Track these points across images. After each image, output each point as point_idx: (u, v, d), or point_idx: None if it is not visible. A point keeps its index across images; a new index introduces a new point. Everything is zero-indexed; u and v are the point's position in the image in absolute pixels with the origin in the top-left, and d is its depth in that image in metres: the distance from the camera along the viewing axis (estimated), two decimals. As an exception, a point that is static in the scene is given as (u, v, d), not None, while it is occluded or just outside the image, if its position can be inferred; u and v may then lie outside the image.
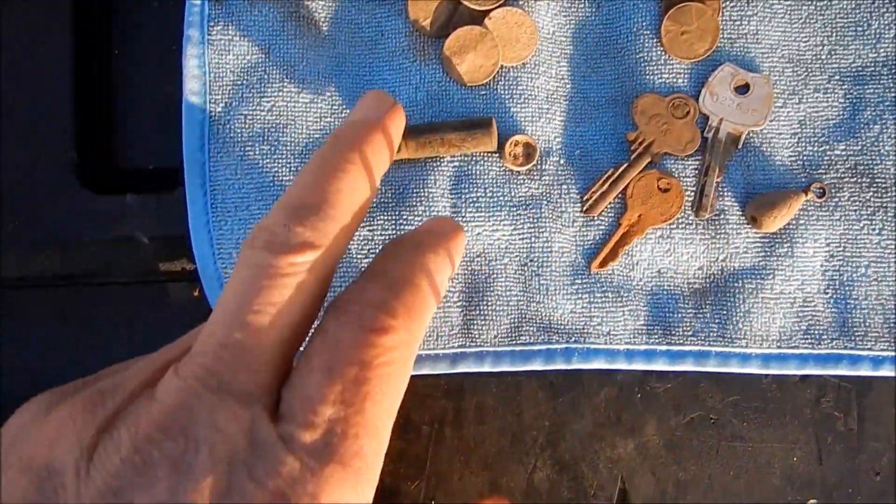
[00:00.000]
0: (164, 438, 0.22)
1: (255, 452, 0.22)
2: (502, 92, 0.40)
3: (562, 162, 0.40)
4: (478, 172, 0.39)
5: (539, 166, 0.40)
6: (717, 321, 0.39)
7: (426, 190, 0.39)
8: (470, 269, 0.39)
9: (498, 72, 0.40)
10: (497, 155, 0.39)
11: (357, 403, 0.23)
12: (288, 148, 0.40)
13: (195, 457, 0.21)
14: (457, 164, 0.39)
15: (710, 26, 0.40)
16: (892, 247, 0.38)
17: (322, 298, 0.27)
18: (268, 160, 0.40)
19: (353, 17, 0.42)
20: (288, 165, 0.40)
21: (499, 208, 0.39)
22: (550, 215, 0.39)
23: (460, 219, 0.39)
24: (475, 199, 0.39)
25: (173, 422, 0.22)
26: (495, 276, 0.39)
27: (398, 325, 0.25)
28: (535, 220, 0.39)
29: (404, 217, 0.39)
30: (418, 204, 0.39)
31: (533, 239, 0.39)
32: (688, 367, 0.39)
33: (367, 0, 0.42)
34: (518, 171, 0.39)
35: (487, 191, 0.39)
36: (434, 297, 0.28)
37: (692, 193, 0.39)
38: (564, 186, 0.40)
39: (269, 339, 0.24)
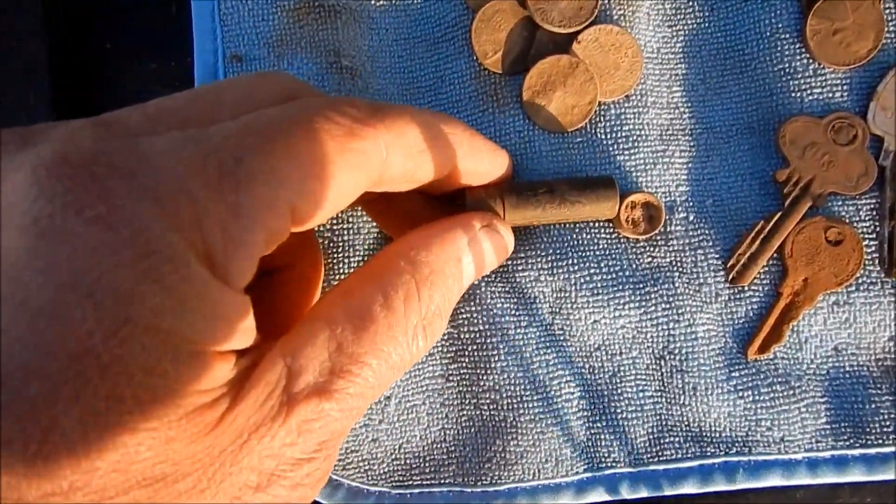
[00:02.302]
0: None
1: None
2: (604, 136, 0.31)
3: (691, 218, 0.31)
4: (585, 242, 0.31)
5: (664, 228, 0.30)
6: (927, 410, 0.29)
7: (521, 268, 0.31)
8: (588, 367, 0.30)
9: (596, 111, 0.31)
10: (608, 221, 0.30)
11: None
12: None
13: None
14: (556, 232, 0.31)
15: (871, 19, 0.30)
16: None
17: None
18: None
19: (403, 64, 0.33)
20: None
21: (619, 287, 0.30)
22: (687, 290, 0.30)
23: (570, 305, 0.30)
24: (587, 277, 0.30)
25: None
26: (623, 374, 0.30)
27: None
28: (669, 299, 0.30)
29: (497, 306, 0.31)
30: (510, 287, 0.31)
31: (668, 323, 0.30)
32: (893, 474, 0.29)
33: (420, 40, 0.33)
34: (639, 241, 0.30)
35: (602, 265, 0.30)
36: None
37: (873, 243, 0.30)
38: (700, 251, 0.30)
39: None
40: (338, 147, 0.22)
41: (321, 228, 0.32)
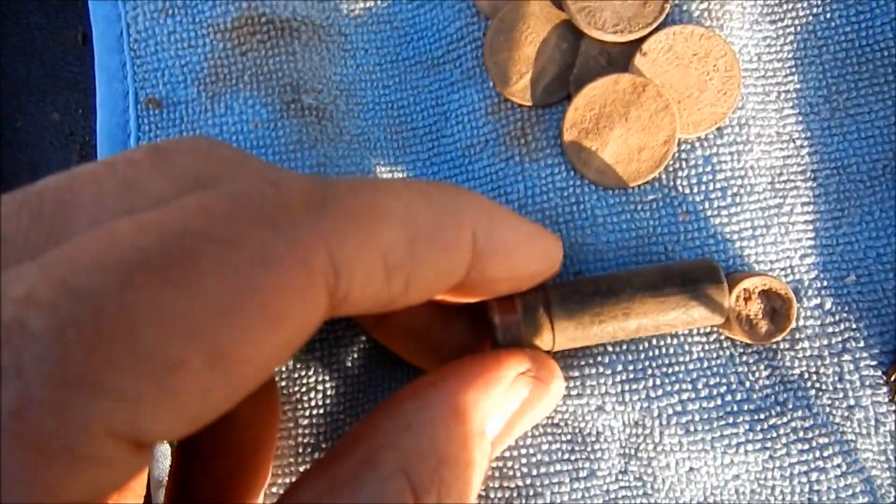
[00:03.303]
0: None
1: None
2: (687, 190, 0.21)
3: (828, 306, 0.21)
4: (673, 351, 0.20)
5: (793, 326, 0.20)
6: None
7: (577, 392, 0.21)
8: (684, 538, 0.20)
9: (674, 154, 0.21)
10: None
11: None
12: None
13: None
14: (626, 345, 0.21)
15: None
16: None
17: None
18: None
19: (391, 97, 0.23)
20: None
21: (727, 419, 0.20)
22: (831, 418, 0.20)
23: (651, 446, 0.20)
24: (676, 406, 0.20)
25: None
26: (738, 549, 0.20)
27: None
28: (805, 434, 0.20)
29: (543, 449, 0.21)
30: (560, 420, 0.21)
31: (808, 472, 0.20)
32: None
33: (413, 62, 0.23)
34: (755, 347, 0.20)
35: (700, 386, 0.20)
36: None
37: None
38: (847, 356, 0.20)
39: None
40: (244, 284, 0.12)
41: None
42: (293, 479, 0.22)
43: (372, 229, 0.14)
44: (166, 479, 0.22)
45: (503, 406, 0.17)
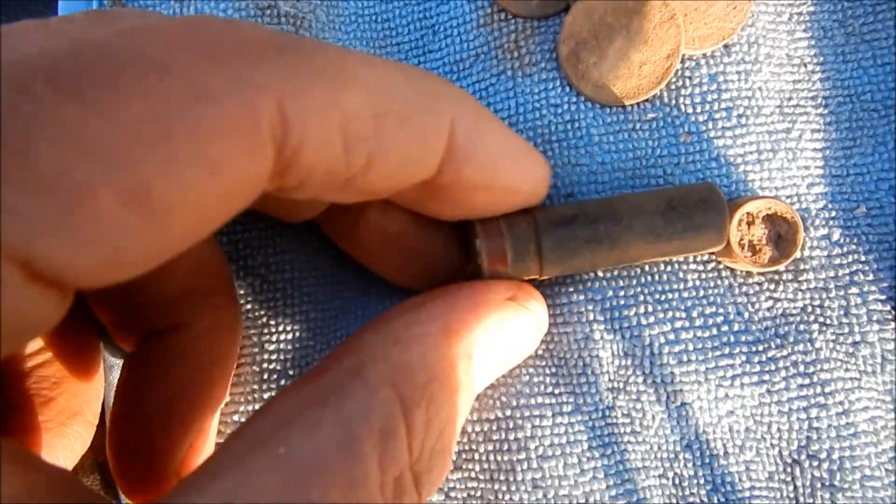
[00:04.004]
0: None
1: None
2: (690, 109, 0.20)
3: (836, 237, 0.19)
4: (667, 278, 0.19)
5: (797, 256, 0.19)
6: None
7: (563, 319, 0.19)
8: (673, 479, 0.19)
9: (678, 70, 0.20)
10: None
11: None
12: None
13: None
14: (616, 271, 0.19)
15: None
16: None
17: None
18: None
19: (375, 8, 0.22)
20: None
21: (724, 351, 0.19)
22: (835, 354, 0.19)
23: (641, 379, 0.19)
24: (670, 335, 0.19)
25: None
26: (731, 489, 0.19)
27: None
28: (806, 368, 0.19)
29: (525, 380, 0.19)
30: (545, 350, 0.19)
31: (807, 408, 0.19)
32: None
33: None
34: (756, 274, 0.19)
35: (695, 315, 0.19)
36: None
37: None
38: (853, 290, 0.19)
39: None
40: (173, 116, 0.10)
41: (243, 259, 0.21)
42: (256, 407, 0.20)
43: (334, 93, 0.12)
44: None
45: (491, 331, 0.16)
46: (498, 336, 0.16)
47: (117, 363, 0.21)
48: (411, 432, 0.14)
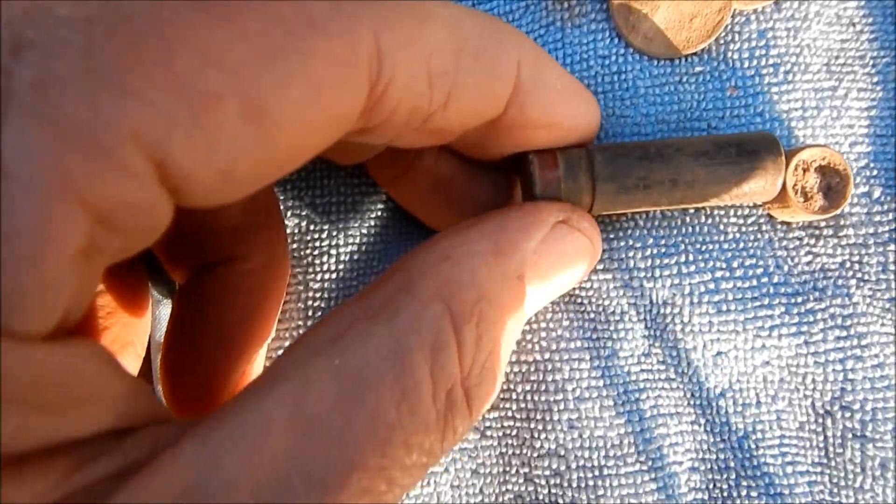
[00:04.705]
0: None
1: None
2: (739, 64, 0.20)
3: (877, 195, 0.19)
4: (707, 228, 0.19)
5: (842, 211, 0.19)
6: None
7: (602, 266, 0.20)
8: (707, 425, 0.19)
9: (728, 24, 0.20)
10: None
11: None
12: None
13: None
14: (657, 221, 0.20)
15: None
16: None
17: None
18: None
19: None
20: None
21: (762, 301, 0.19)
22: (871, 309, 0.19)
23: (679, 326, 0.19)
24: (709, 284, 0.19)
25: None
26: (762, 437, 0.19)
27: None
28: (843, 322, 0.19)
29: (564, 325, 0.20)
30: (584, 295, 0.20)
31: (843, 360, 0.19)
32: None
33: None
34: (800, 226, 0.19)
35: (735, 265, 0.19)
36: None
37: None
38: (892, 247, 0.19)
39: None
40: (287, 36, 0.11)
41: (291, 200, 0.21)
42: (301, 341, 0.21)
43: (420, 28, 0.13)
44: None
45: (542, 253, 0.16)
46: (549, 257, 0.16)
47: (164, 302, 0.22)
48: (462, 347, 0.14)
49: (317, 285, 0.21)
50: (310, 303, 0.21)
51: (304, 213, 0.21)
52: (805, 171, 0.18)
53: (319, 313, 0.21)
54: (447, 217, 0.20)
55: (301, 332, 0.21)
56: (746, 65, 0.20)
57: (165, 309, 0.22)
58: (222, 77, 0.10)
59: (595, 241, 0.17)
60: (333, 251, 0.21)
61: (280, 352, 0.21)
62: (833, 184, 0.18)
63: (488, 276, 0.15)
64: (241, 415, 0.12)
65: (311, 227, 0.21)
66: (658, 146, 0.18)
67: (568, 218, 0.17)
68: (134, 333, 0.22)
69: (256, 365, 0.20)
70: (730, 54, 0.20)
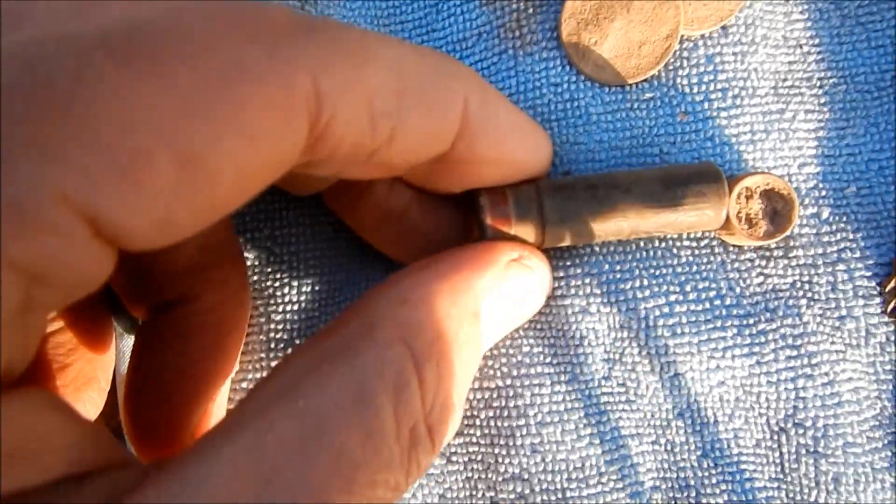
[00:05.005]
0: None
1: None
2: (688, 89, 0.20)
3: (825, 216, 0.20)
4: (661, 253, 0.20)
5: (791, 233, 0.20)
6: None
7: (561, 292, 0.20)
8: (666, 445, 0.20)
9: (676, 50, 0.20)
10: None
11: None
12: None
13: None
14: (612, 247, 0.20)
15: None
16: None
17: None
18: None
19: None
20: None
21: (715, 323, 0.19)
22: (821, 328, 0.19)
23: (636, 349, 0.20)
24: (664, 308, 0.19)
25: None
26: (720, 455, 0.20)
27: None
28: (794, 341, 0.19)
29: (524, 351, 0.20)
30: (544, 322, 0.20)
31: (794, 379, 0.19)
32: None
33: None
34: (748, 251, 0.20)
35: (688, 289, 0.20)
36: None
37: None
38: (841, 267, 0.20)
39: None
40: (219, 89, 0.11)
41: (250, 232, 0.21)
42: (265, 374, 0.21)
43: (360, 70, 0.13)
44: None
45: (496, 290, 0.16)
46: (503, 295, 0.17)
47: (128, 335, 0.22)
48: (424, 385, 0.14)
49: (279, 317, 0.21)
50: (272, 335, 0.21)
51: (263, 245, 0.21)
52: (748, 198, 0.18)
53: (282, 345, 0.21)
54: (402, 247, 0.20)
55: (264, 364, 0.21)
56: (695, 90, 0.20)
57: (130, 341, 0.22)
58: (151, 132, 0.10)
59: (546, 277, 0.18)
60: (294, 282, 0.21)
61: (244, 384, 0.21)
62: (779, 208, 0.18)
63: (445, 315, 0.15)
64: (203, 461, 0.12)
65: (271, 259, 0.21)
66: (607, 186, 0.18)
67: (521, 256, 0.17)
68: (98, 368, 0.22)
69: (220, 400, 0.20)
70: (679, 80, 0.20)
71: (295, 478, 0.12)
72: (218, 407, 0.20)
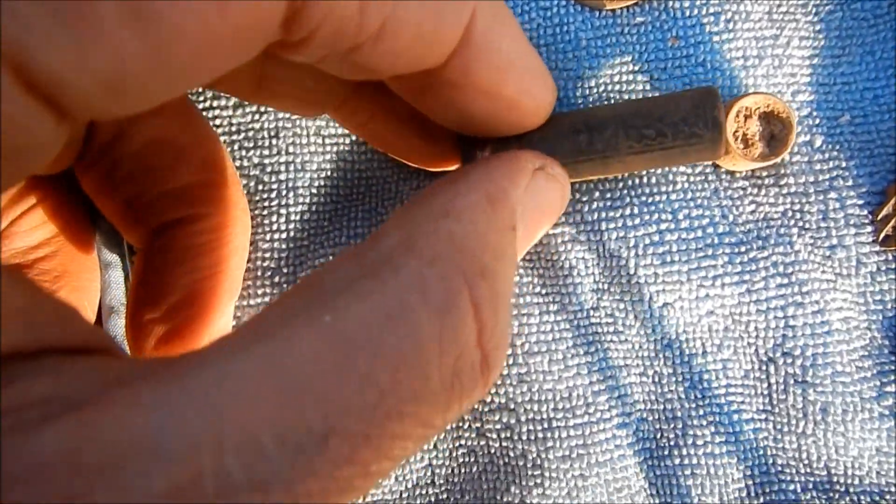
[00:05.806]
0: None
1: None
2: (679, 13, 0.20)
3: (818, 144, 0.20)
4: (650, 179, 0.20)
5: (783, 160, 0.19)
6: None
7: (558, 226, 0.20)
8: (654, 375, 0.20)
9: (669, -27, 0.20)
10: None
11: None
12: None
13: None
14: (601, 177, 0.20)
15: None
16: None
17: None
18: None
19: None
20: None
21: (705, 252, 0.19)
22: (812, 256, 0.19)
23: (625, 278, 0.19)
24: (654, 236, 0.19)
25: None
26: (708, 386, 0.19)
27: None
28: (784, 269, 0.19)
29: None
30: (532, 251, 0.20)
31: (784, 307, 0.19)
32: None
33: None
34: (744, 175, 0.19)
35: (679, 217, 0.19)
36: None
37: None
38: (832, 195, 0.19)
39: None
40: None
41: (238, 160, 0.21)
42: (251, 302, 0.21)
43: None
44: (124, 301, 0.21)
45: (528, 199, 0.15)
46: (533, 204, 0.15)
47: (114, 263, 0.22)
48: (479, 307, 0.13)
49: (266, 245, 0.21)
50: (259, 262, 0.21)
51: (252, 174, 0.21)
52: (747, 118, 0.18)
53: (269, 273, 0.21)
54: (427, 149, 0.19)
55: (251, 291, 0.21)
56: (687, 14, 0.20)
57: (115, 272, 0.22)
58: None
59: (567, 187, 0.17)
60: (283, 210, 0.21)
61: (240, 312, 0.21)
62: (776, 132, 0.18)
63: (488, 228, 0.14)
64: (212, 367, 0.11)
65: (260, 188, 0.21)
66: (590, 117, 0.17)
67: (544, 165, 0.16)
68: (84, 296, 0.22)
69: (224, 323, 0.20)
70: (671, 4, 0.20)
71: (311, 400, 0.11)
72: (222, 331, 0.20)
